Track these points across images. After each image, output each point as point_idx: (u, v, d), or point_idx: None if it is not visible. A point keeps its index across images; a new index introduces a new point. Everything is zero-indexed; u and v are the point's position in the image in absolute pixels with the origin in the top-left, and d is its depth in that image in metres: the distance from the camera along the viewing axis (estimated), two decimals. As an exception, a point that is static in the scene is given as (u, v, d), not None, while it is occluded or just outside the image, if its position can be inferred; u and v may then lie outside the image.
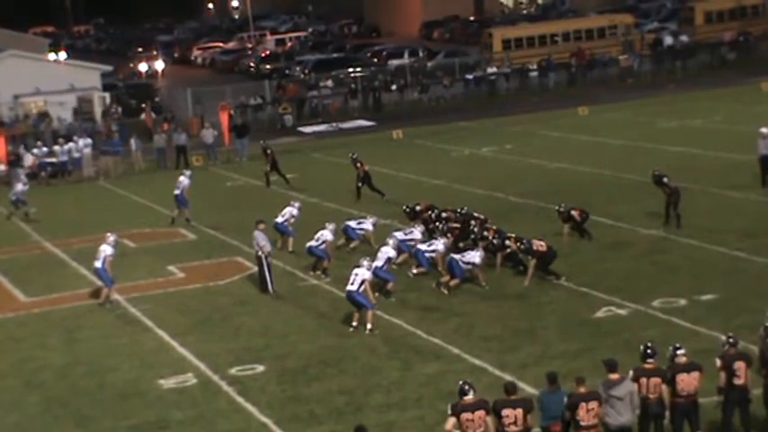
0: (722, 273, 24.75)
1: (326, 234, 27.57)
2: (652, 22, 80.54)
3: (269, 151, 40.19)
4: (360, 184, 35.42)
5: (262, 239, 26.38)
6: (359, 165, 35.79)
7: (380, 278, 25.01)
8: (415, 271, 26.68)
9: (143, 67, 69.84)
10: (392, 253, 25.73)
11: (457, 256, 25.55)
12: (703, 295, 23.15)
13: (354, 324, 23.03)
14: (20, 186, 38.41)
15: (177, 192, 34.83)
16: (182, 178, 35.18)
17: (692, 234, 27.93)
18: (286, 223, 30.12)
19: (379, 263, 25.06)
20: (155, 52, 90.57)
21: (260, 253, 26.25)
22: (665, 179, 29.15)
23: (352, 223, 29.68)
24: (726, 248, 26.54)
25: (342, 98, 60.77)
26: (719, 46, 66.68)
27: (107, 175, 46.17)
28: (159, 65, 66.53)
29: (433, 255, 26.58)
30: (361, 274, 23.11)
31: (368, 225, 29.46)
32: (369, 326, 22.79)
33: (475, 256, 25.40)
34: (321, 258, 27.52)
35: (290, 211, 30.34)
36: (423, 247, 26.87)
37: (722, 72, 61.59)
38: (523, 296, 24.41)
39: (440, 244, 26.78)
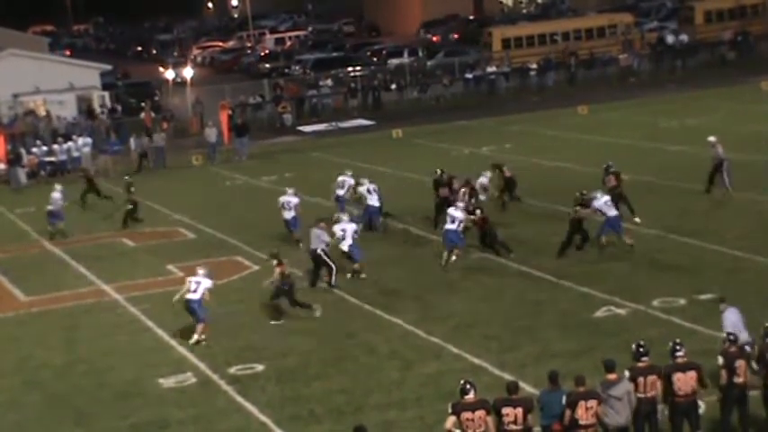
0: (722, 272, 24.75)
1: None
2: (652, 22, 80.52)
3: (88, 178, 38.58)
4: None
5: (325, 236, 26.22)
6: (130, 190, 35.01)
7: (352, 256, 25.92)
8: (453, 258, 26.99)
9: (170, 74, 67.15)
10: (353, 226, 26.47)
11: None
12: (703, 295, 23.14)
13: (202, 337, 22.96)
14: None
15: (51, 207, 33.86)
16: (54, 194, 34.23)
17: (691, 233, 27.93)
18: (293, 212, 30.02)
19: (349, 240, 25.97)
20: (184, 57, 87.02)
21: (319, 250, 26.11)
22: (611, 175, 29.91)
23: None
24: (725, 248, 26.54)
25: (341, 97, 60.79)
26: (719, 45, 66.71)
27: (105, 174, 46.11)
28: (188, 72, 63.22)
29: (461, 225, 27.10)
30: (204, 282, 23.19)
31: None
32: (196, 336, 22.88)
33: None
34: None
35: (289, 200, 30.30)
36: (450, 227, 27.05)
37: (722, 71, 61.57)
38: (523, 296, 24.41)
39: (458, 212, 27.16)
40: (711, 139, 32.52)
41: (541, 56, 64.68)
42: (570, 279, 25.07)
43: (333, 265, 26.03)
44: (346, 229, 26.69)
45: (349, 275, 26.62)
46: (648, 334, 19.73)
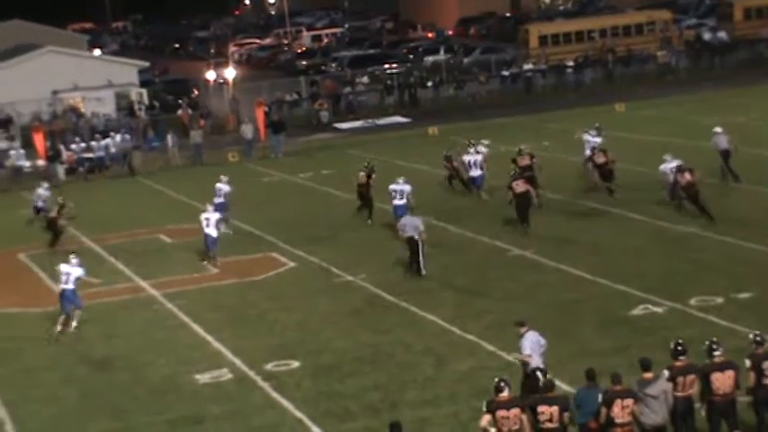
0: (759, 271, 24.55)
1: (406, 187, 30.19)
2: (690, 19, 79.99)
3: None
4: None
5: (421, 223, 26.43)
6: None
7: (208, 245, 28.80)
8: None
9: (210, 75, 67.24)
10: (217, 215, 29.10)
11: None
12: (740, 293, 22.99)
13: (60, 329, 23.72)
14: (41, 191, 36.18)
15: (39, 204, 34.84)
16: (40, 191, 35.20)
17: (728, 231, 27.73)
18: (224, 200, 32.02)
19: (212, 230, 28.45)
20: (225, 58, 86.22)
21: (416, 237, 26.20)
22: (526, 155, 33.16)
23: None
24: (763, 246, 26.31)
25: (378, 94, 60.81)
26: (758, 43, 66.14)
27: (139, 170, 46.28)
28: (230, 73, 63.30)
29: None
30: (74, 272, 24.09)
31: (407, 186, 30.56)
32: (74, 323, 23.93)
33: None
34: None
35: (221, 187, 32.30)
36: (399, 203, 29.85)
37: (761, 69, 61.00)
38: (559, 293, 24.33)
39: (405, 186, 30.08)
40: (718, 129, 33.00)
41: (579, 53, 64.41)
42: (607, 277, 24.96)
43: (421, 257, 26.25)
44: (210, 218, 28.81)
45: (204, 262, 29.09)
46: (686, 333, 19.61)
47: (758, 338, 16.07)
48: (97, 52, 79.38)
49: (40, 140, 49.06)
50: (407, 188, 30.16)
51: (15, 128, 53.50)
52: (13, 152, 47.40)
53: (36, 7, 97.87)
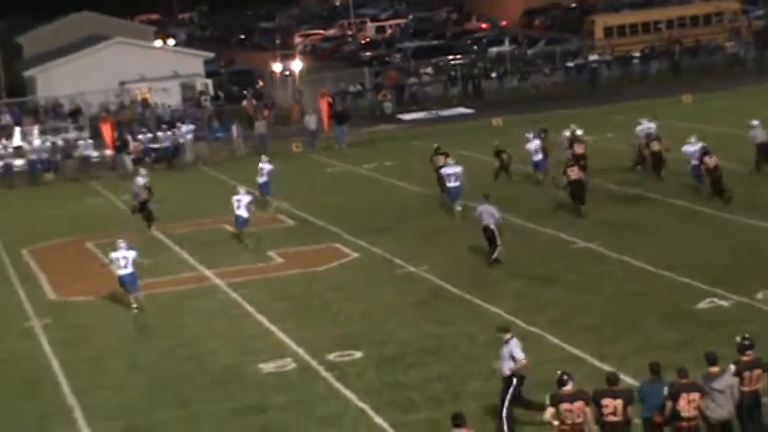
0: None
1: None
2: (759, 9, 78.82)
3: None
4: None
5: (496, 211, 26.61)
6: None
7: (239, 225, 30.33)
8: (459, 208, 30.80)
9: (277, 67, 67.67)
10: (249, 197, 30.51)
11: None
12: (809, 288, 22.68)
13: (135, 306, 25.16)
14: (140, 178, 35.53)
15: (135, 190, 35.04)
16: (138, 179, 34.89)
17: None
18: (267, 178, 34.21)
19: (243, 211, 30.07)
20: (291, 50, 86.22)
21: (492, 225, 26.40)
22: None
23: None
24: (833, 240, 25.95)
25: (441, 85, 60.72)
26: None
27: (204, 161, 46.66)
28: (296, 65, 63.79)
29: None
30: (130, 255, 24.86)
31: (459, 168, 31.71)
32: (136, 304, 25.10)
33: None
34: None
35: (264, 167, 34.47)
36: (454, 185, 31.30)
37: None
38: (623, 286, 24.16)
39: (455, 168, 31.35)
40: (754, 122, 33.46)
41: (645, 44, 63.80)
42: (672, 269, 24.73)
43: (498, 243, 26.39)
44: (241, 199, 30.28)
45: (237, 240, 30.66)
46: (752, 327, 19.40)
47: None
48: (171, 42, 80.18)
49: (107, 131, 49.64)
50: (459, 169, 31.46)
51: (84, 118, 54.22)
52: (81, 142, 48.04)
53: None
